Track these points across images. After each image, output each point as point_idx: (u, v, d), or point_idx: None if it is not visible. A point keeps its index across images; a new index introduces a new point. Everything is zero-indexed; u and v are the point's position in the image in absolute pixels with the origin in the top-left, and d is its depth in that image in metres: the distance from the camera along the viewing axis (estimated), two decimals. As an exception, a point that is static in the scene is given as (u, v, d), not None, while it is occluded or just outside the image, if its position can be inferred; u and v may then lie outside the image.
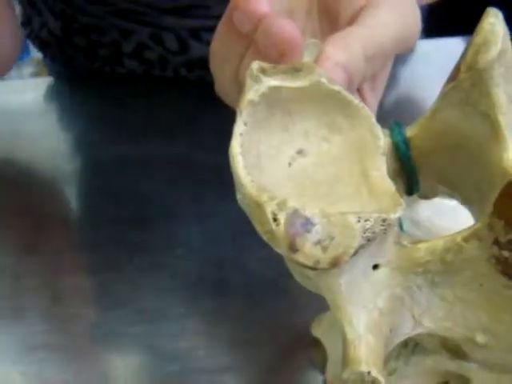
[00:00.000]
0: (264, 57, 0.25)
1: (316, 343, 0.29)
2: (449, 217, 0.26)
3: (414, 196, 0.27)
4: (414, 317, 0.21)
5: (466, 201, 0.24)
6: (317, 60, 0.24)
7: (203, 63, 0.54)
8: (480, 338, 0.22)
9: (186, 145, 0.47)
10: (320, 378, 0.30)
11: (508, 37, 0.21)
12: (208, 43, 0.56)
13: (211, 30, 0.52)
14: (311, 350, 0.30)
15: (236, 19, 0.25)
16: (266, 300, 0.35)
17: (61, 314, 0.35)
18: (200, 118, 0.51)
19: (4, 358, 0.33)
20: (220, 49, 0.28)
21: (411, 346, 0.25)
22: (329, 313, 0.29)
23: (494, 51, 0.20)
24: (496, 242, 0.19)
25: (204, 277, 0.36)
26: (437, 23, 0.53)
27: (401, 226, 0.26)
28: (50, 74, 0.66)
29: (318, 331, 0.28)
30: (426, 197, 0.27)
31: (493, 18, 0.20)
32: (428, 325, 0.22)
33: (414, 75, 0.51)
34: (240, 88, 0.27)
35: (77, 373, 0.32)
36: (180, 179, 0.44)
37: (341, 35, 0.26)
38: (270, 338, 0.32)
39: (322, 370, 0.29)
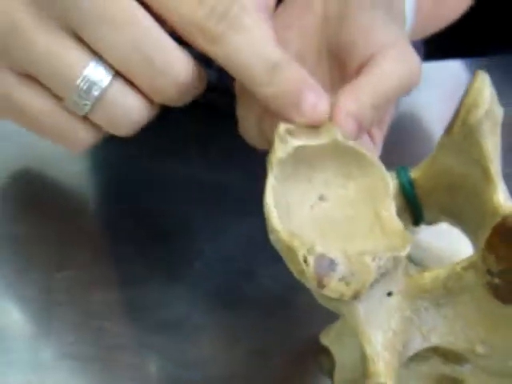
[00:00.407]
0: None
1: (325, 351, 0.33)
2: (444, 239, 0.31)
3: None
4: (422, 334, 0.26)
5: (465, 230, 0.29)
6: (332, 111, 0.29)
7: (214, 87, 0.58)
8: (479, 349, 0.27)
9: (198, 165, 0.51)
10: (328, 382, 0.33)
11: (494, 96, 0.26)
12: (217, 69, 0.61)
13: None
14: (320, 357, 0.34)
15: None
16: (278, 311, 0.38)
17: (88, 326, 0.37)
18: (211, 140, 0.55)
19: (33, 367, 0.35)
20: (245, 102, 0.33)
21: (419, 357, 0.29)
22: (336, 323, 0.33)
23: (481, 110, 0.25)
24: (489, 272, 0.24)
25: (220, 289, 0.40)
26: (437, 45, 0.57)
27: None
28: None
29: (326, 340, 0.32)
30: (431, 223, 0.32)
31: (481, 82, 0.25)
32: (434, 340, 0.26)
33: (414, 97, 0.56)
34: (261, 133, 0.32)
35: (105, 382, 0.35)
36: (193, 197, 0.47)
37: (350, 88, 0.30)
38: (282, 346, 0.36)
39: (331, 375, 0.33)
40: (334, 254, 0.23)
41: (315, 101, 0.27)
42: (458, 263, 0.25)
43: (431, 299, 0.26)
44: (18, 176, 0.51)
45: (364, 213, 0.26)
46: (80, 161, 0.54)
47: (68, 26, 0.25)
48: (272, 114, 0.31)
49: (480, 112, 0.25)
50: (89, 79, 0.26)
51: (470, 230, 0.28)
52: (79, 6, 0.25)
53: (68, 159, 0.53)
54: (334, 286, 0.22)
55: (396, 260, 0.24)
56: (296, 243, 0.23)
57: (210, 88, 0.58)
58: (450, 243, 0.29)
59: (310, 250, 0.23)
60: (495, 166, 0.25)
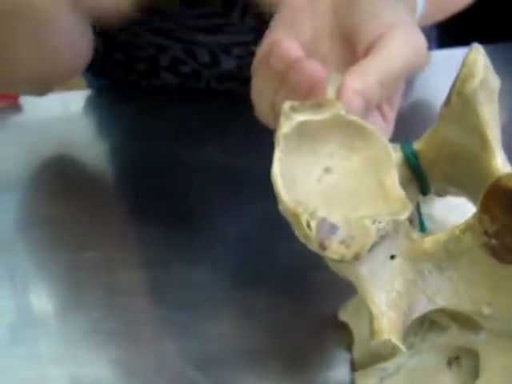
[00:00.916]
0: (295, 91, 0.33)
1: (343, 326, 0.36)
2: (458, 212, 0.33)
3: (431, 194, 0.35)
4: (427, 296, 0.29)
5: (470, 197, 0.32)
6: (339, 90, 0.32)
7: (232, 76, 0.62)
8: (485, 310, 0.29)
9: (217, 150, 0.55)
10: (348, 356, 0.36)
11: (489, 67, 0.28)
12: (237, 57, 0.65)
13: (240, 44, 0.61)
14: (339, 332, 0.37)
15: (273, 61, 0.33)
16: (297, 289, 0.41)
17: (113, 303, 0.41)
18: (229, 126, 0.59)
19: (63, 341, 0.39)
20: (258, 84, 0.36)
21: (427, 325, 0.32)
22: (354, 299, 0.36)
23: (476, 80, 0.27)
24: (485, 233, 0.26)
25: (241, 269, 0.43)
26: (448, 33, 0.59)
27: (422, 223, 0.34)
28: (89, 87, 0.75)
29: (344, 315, 0.35)
30: (440, 194, 0.35)
31: (475, 53, 0.28)
32: (440, 302, 0.29)
33: (425, 83, 0.58)
34: (275, 115, 0.35)
35: (129, 354, 0.38)
36: (213, 182, 0.51)
37: (358, 67, 0.33)
38: (302, 322, 0.39)
39: (350, 350, 0.36)
40: (335, 218, 0.25)
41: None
42: (456, 226, 0.27)
43: (433, 262, 0.28)
44: (51, 163, 0.56)
45: (368, 183, 0.28)
46: (108, 150, 0.58)
47: None
48: (284, 93, 0.34)
49: (475, 82, 0.27)
50: None
51: (473, 196, 0.31)
52: None
53: (98, 149, 0.58)
54: (335, 248, 0.25)
55: (396, 223, 0.26)
56: (300, 209, 0.26)
57: (229, 76, 0.62)
58: (464, 216, 0.31)
59: (312, 215, 0.25)
60: (492, 132, 0.28)
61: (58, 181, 0.53)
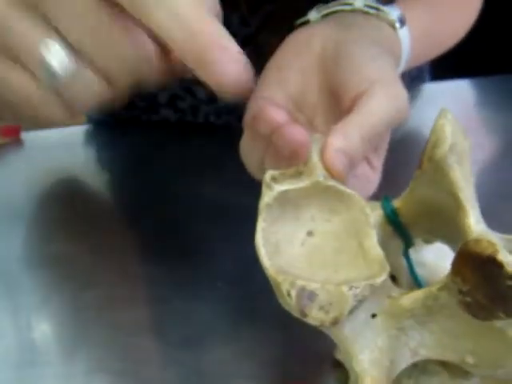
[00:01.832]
0: (280, 154, 0.36)
1: (339, 365, 0.38)
2: (448, 257, 0.36)
3: (420, 243, 0.38)
4: (410, 349, 0.32)
5: (452, 247, 0.35)
6: (322, 149, 0.35)
7: (230, 110, 0.65)
8: (469, 359, 0.32)
9: (215, 185, 0.58)
10: None
11: (458, 131, 0.31)
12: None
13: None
14: (335, 371, 0.39)
15: (259, 126, 0.37)
16: (296, 327, 0.43)
17: (116, 341, 0.44)
18: (230, 161, 0.62)
19: (66, 380, 0.41)
20: (247, 145, 0.39)
21: (420, 367, 0.35)
22: None
23: (445, 146, 0.30)
24: (459, 291, 0.30)
25: (241, 306, 0.46)
26: (443, 65, 0.62)
27: (412, 271, 0.37)
28: (89, 122, 0.78)
29: (340, 355, 0.38)
30: (427, 242, 0.38)
31: (443, 120, 0.31)
32: (424, 353, 0.32)
33: (417, 115, 0.62)
34: (262, 173, 0.38)
35: None
36: (212, 218, 0.55)
37: (340, 125, 0.36)
38: (300, 359, 0.42)
39: None
40: (314, 286, 0.29)
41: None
42: (433, 285, 0.31)
43: (414, 318, 0.31)
44: (53, 197, 0.59)
45: (348, 244, 0.32)
46: (108, 185, 0.62)
47: (35, 6, 0.30)
48: (270, 155, 0.38)
49: (444, 148, 0.30)
50: (52, 56, 0.30)
51: (454, 248, 0.34)
52: None
53: (98, 184, 0.61)
54: (315, 315, 0.29)
55: (373, 287, 0.30)
56: (280, 278, 0.29)
57: (227, 111, 0.65)
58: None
59: (292, 284, 0.29)
60: (465, 194, 0.31)
61: (61, 216, 0.56)
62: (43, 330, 0.46)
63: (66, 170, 0.62)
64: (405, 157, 0.44)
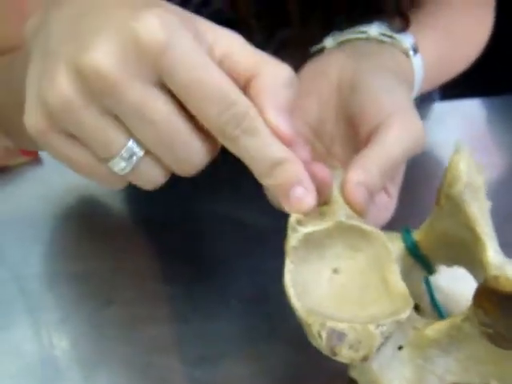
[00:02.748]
0: None
1: (353, 382, 0.39)
2: (463, 282, 0.37)
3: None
4: (437, 376, 0.33)
5: (471, 273, 0.36)
6: (343, 184, 0.36)
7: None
8: (494, 382, 0.34)
9: (231, 204, 0.59)
10: None
11: (473, 167, 0.32)
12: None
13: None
14: None
15: None
16: (310, 345, 0.46)
17: (136, 359, 0.45)
18: (242, 177, 0.62)
19: None
20: None
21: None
22: None
23: (461, 185, 0.32)
24: (481, 323, 0.31)
25: (256, 325, 0.47)
26: (453, 85, 0.63)
27: (432, 297, 0.38)
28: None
29: (354, 373, 0.39)
30: (449, 266, 0.39)
31: (458, 156, 0.32)
32: (450, 379, 0.33)
33: (430, 135, 0.62)
34: None
35: None
36: (228, 236, 0.55)
37: (358, 159, 0.37)
38: (314, 377, 0.43)
39: None
40: (342, 326, 0.30)
41: (302, 195, 0.34)
42: (457, 316, 0.32)
43: (439, 347, 0.33)
44: (72, 215, 0.60)
45: (373, 279, 0.33)
46: (124, 203, 0.62)
47: (111, 112, 0.33)
48: None
49: (460, 186, 0.32)
50: (125, 153, 0.33)
51: (473, 273, 0.35)
52: (124, 99, 0.31)
53: (116, 200, 0.62)
54: (345, 354, 0.30)
55: (398, 323, 0.31)
56: (311, 320, 0.31)
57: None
58: (467, 285, 0.35)
59: (322, 325, 0.30)
60: (482, 227, 0.32)
61: (80, 234, 0.57)
62: (64, 347, 0.47)
63: (85, 188, 0.63)
64: (417, 175, 0.45)
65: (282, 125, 0.33)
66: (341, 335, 0.30)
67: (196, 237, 0.55)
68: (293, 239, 0.32)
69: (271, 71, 0.35)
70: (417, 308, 0.36)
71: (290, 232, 0.33)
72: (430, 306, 0.37)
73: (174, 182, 0.62)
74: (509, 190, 0.60)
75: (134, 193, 0.62)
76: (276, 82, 0.35)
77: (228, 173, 0.63)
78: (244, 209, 0.58)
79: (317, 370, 0.44)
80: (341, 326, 0.30)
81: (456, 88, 0.62)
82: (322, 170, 0.36)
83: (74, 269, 0.53)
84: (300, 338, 0.46)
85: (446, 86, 0.58)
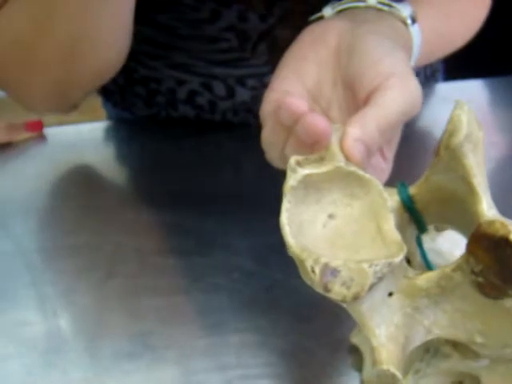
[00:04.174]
0: (302, 143, 0.37)
1: (355, 349, 0.39)
2: (461, 245, 0.37)
3: (432, 230, 0.39)
4: (424, 327, 0.33)
5: (463, 234, 0.36)
6: (342, 138, 0.36)
7: (247, 108, 0.66)
8: (478, 339, 0.33)
9: (233, 180, 0.60)
10: (358, 377, 0.40)
11: (473, 121, 0.32)
12: (251, 88, 0.69)
13: (254, 76, 0.65)
14: (351, 355, 0.40)
15: (281, 117, 0.37)
16: (312, 316, 0.46)
17: (139, 328, 0.46)
18: (245, 157, 0.63)
19: (91, 366, 0.43)
20: (269, 136, 0.40)
21: (432, 351, 0.36)
22: None
23: (461, 135, 0.31)
24: (472, 272, 0.30)
25: (258, 297, 0.48)
26: (457, 66, 0.63)
27: (424, 256, 0.38)
28: (109, 118, 0.79)
29: (356, 339, 0.39)
30: (439, 230, 0.39)
31: (459, 110, 0.32)
32: (436, 332, 0.33)
33: (430, 115, 0.63)
34: (285, 161, 0.39)
35: (154, 377, 0.42)
36: (230, 211, 0.56)
37: (358, 117, 0.37)
38: (316, 346, 0.43)
39: (360, 371, 0.39)
40: (337, 262, 0.29)
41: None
42: (447, 266, 0.31)
43: (429, 297, 0.32)
44: (74, 192, 0.60)
45: (368, 227, 0.33)
46: (129, 178, 0.63)
47: None
48: (292, 144, 0.39)
49: (460, 137, 0.31)
50: None
51: (465, 234, 0.35)
52: None
53: (119, 177, 0.62)
54: (337, 290, 0.29)
55: (391, 265, 0.30)
56: (304, 255, 0.30)
57: (245, 108, 0.66)
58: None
59: (316, 261, 0.30)
60: (478, 180, 0.32)
61: (82, 208, 0.57)
62: (68, 317, 0.47)
63: (88, 165, 0.63)
64: (418, 153, 0.45)
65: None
66: (334, 271, 0.29)
67: (197, 213, 0.55)
68: (292, 179, 0.32)
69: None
70: (408, 262, 0.36)
71: (289, 172, 0.32)
72: (420, 264, 0.37)
73: (176, 158, 0.63)
74: (510, 167, 0.60)
75: (135, 170, 0.63)
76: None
77: (230, 149, 0.64)
78: (244, 186, 0.58)
79: (318, 340, 0.44)
80: (335, 263, 0.29)
81: (459, 69, 0.62)
82: (320, 120, 0.36)
83: (76, 243, 0.53)
84: (301, 310, 0.47)
85: (450, 66, 0.58)
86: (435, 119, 0.64)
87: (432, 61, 0.56)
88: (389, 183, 0.40)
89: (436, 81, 0.76)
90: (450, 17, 0.56)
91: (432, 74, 0.74)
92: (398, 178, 0.42)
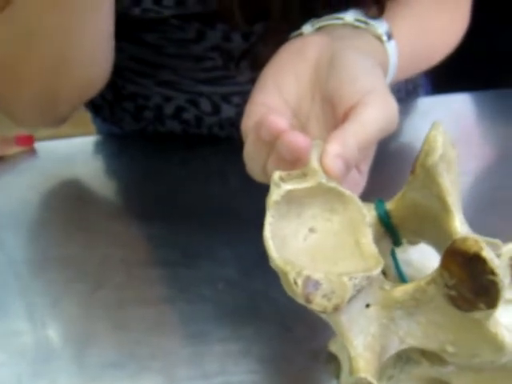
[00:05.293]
0: (282, 159, 0.38)
1: (333, 357, 0.40)
2: (433, 258, 0.38)
3: (405, 244, 0.40)
4: (399, 337, 0.33)
5: (436, 249, 0.37)
6: (321, 155, 0.37)
7: (232, 123, 0.67)
8: (450, 349, 0.34)
9: (218, 193, 0.60)
10: None
11: (448, 142, 0.33)
12: (236, 105, 0.69)
13: (239, 94, 0.66)
14: (329, 363, 0.41)
15: (262, 133, 0.38)
16: (292, 325, 0.46)
17: (125, 339, 0.46)
18: (231, 170, 0.63)
19: (78, 375, 0.43)
20: (250, 151, 0.41)
21: (404, 358, 0.37)
22: None
23: (436, 155, 0.32)
24: (446, 285, 0.31)
25: (241, 307, 0.48)
26: (442, 80, 0.64)
27: (398, 269, 0.39)
28: (98, 133, 0.80)
29: (334, 348, 0.40)
30: (412, 243, 0.40)
31: (435, 131, 0.33)
32: (410, 342, 0.34)
33: (412, 129, 0.64)
34: (266, 175, 0.40)
35: (141, 383, 0.42)
36: (215, 223, 0.56)
37: (337, 133, 0.38)
38: (296, 354, 0.44)
39: (338, 378, 0.40)
40: (318, 275, 0.30)
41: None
42: (422, 279, 0.32)
43: (404, 309, 0.33)
44: (63, 205, 0.60)
45: (347, 241, 0.33)
46: (117, 192, 0.63)
47: None
48: (273, 160, 0.39)
49: (435, 157, 0.32)
50: None
51: (438, 249, 0.36)
52: None
53: (107, 191, 0.62)
54: (319, 302, 0.30)
55: (369, 278, 0.31)
56: (288, 268, 0.31)
57: (230, 123, 0.67)
58: (437, 262, 0.36)
59: (299, 273, 0.30)
60: (452, 199, 0.33)
61: (72, 221, 0.58)
62: (56, 327, 0.47)
63: (77, 179, 0.63)
64: (400, 167, 0.46)
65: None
66: (316, 284, 0.30)
67: (183, 225, 0.56)
68: (275, 194, 0.33)
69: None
70: (384, 275, 0.37)
71: (272, 187, 0.33)
72: (395, 276, 0.38)
73: (164, 171, 0.64)
74: (493, 179, 0.61)
75: (124, 183, 0.63)
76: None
77: (216, 163, 0.64)
78: (230, 198, 0.59)
79: (298, 349, 0.44)
80: (317, 275, 0.30)
81: (446, 83, 0.63)
82: (300, 138, 0.37)
83: (65, 255, 0.53)
84: (283, 320, 0.47)
85: (436, 80, 0.59)
86: (416, 134, 0.64)
87: (409, 75, 0.57)
88: (369, 196, 0.41)
89: (417, 95, 0.76)
90: (427, 32, 0.57)
91: (413, 88, 0.75)
92: (378, 192, 0.42)
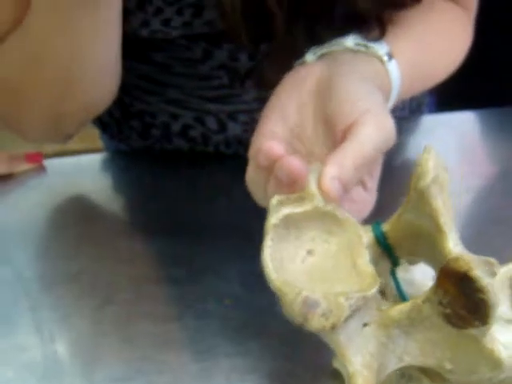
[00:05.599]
0: (281, 183, 0.39)
1: (337, 373, 0.40)
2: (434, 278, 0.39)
3: (405, 264, 0.40)
4: (396, 356, 0.34)
5: (432, 268, 0.38)
6: (319, 177, 0.38)
7: (239, 140, 0.68)
8: (447, 365, 0.35)
9: (225, 210, 0.60)
10: None
11: (440, 165, 0.34)
12: (243, 123, 0.71)
13: (245, 112, 0.67)
14: (333, 379, 0.41)
15: (260, 158, 0.39)
16: (298, 341, 0.45)
17: (134, 354, 0.46)
18: (236, 187, 0.64)
19: None
20: (252, 177, 0.42)
21: (407, 376, 0.37)
22: None
23: (428, 178, 0.33)
24: (440, 303, 0.32)
25: (247, 322, 0.48)
26: (447, 98, 0.64)
27: (398, 287, 0.39)
28: (106, 149, 0.81)
29: (337, 363, 0.40)
30: (411, 263, 0.40)
31: (427, 154, 0.34)
32: (407, 360, 0.35)
33: (417, 147, 0.64)
34: (267, 201, 0.41)
35: None
36: (221, 240, 0.56)
37: (334, 155, 0.39)
38: (302, 370, 0.44)
39: None
40: (317, 295, 0.31)
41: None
42: (418, 298, 0.33)
43: (400, 328, 0.34)
44: (72, 221, 0.61)
45: (344, 262, 0.34)
46: (124, 209, 0.64)
47: None
48: (272, 184, 0.41)
49: (427, 179, 0.33)
50: None
51: (434, 267, 0.37)
52: None
53: (115, 208, 0.63)
54: (317, 321, 0.31)
55: (365, 298, 0.32)
56: (286, 289, 0.32)
57: (236, 141, 0.68)
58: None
59: (297, 294, 0.31)
60: (445, 219, 0.34)
61: (80, 237, 0.58)
62: (65, 343, 0.47)
63: (85, 194, 0.64)
64: (404, 184, 0.47)
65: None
66: (315, 303, 0.31)
67: (190, 241, 0.56)
68: (274, 218, 0.34)
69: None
70: (382, 295, 0.38)
71: (271, 211, 0.34)
72: (395, 295, 0.39)
73: (170, 188, 0.65)
74: (496, 196, 0.61)
75: (131, 200, 0.64)
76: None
77: (222, 180, 0.65)
78: (236, 215, 0.59)
79: (303, 365, 0.44)
80: (315, 295, 0.31)
81: (450, 101, 0.63)
82: (295, 162, 0.38)
83: (73, 270, 0.54)
84: (289, 335, 0.47)
85: (440, 98, 0.59)
86: (420, 152, 0.62)
87: (413, 94, 0.58)
88: (373, 212, 0.42)
89: (421, 113, 0.77)
90: (429, 50, 0.57)
91: (417, 106, 0.76)
92: (381, 209, 0.43)
